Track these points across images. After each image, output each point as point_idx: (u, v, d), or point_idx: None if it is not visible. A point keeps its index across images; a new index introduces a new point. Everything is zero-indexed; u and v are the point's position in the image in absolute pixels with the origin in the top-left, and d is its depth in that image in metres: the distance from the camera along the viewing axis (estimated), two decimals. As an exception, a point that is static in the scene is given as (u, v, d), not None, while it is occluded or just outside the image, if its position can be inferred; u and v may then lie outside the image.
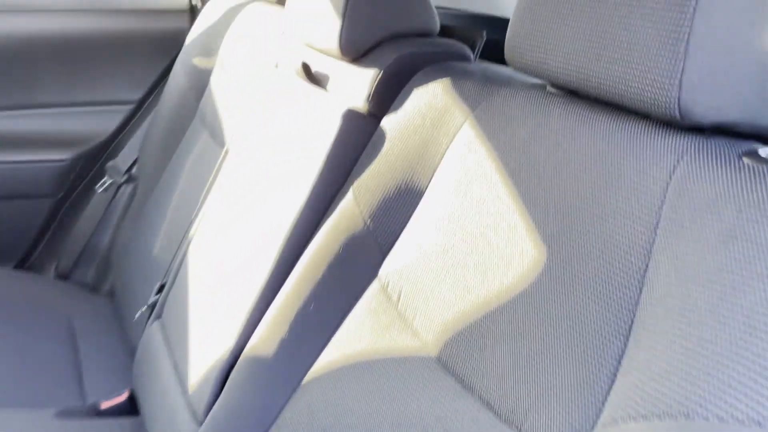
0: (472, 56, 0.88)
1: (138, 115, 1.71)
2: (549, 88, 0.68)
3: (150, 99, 1.71)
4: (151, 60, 1.69)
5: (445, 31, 0.94)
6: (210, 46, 1.47)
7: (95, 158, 1.68)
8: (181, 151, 1.43)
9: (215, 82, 1.39)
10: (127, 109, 1.70)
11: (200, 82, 1.47)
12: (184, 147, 1.44)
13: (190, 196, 1.29)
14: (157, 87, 1.71)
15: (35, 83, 1.60)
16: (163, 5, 1.69)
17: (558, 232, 0.57)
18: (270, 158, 0.98)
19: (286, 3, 1.01)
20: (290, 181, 0.91)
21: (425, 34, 0.90)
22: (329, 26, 0.87)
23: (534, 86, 0.70)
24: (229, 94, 1.30)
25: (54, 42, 1.60)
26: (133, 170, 1.61)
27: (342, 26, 0.84)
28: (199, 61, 1.49)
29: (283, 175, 0.93)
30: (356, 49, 0.86)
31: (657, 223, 0.49)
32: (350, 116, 0.85)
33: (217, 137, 1.30)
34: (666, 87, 0.49)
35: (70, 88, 1.64)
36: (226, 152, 1.18)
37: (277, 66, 1.11)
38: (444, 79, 0.79)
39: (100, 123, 1.68)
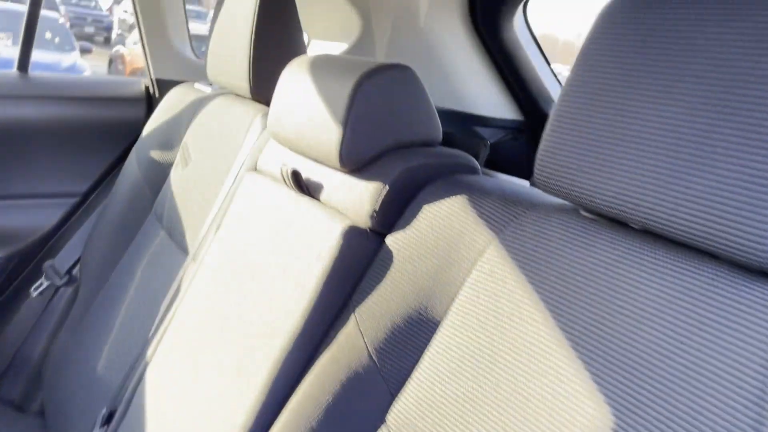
0: (479, 167, 0.82)
1: (82, 209, 1.56)
2: (584, 213, 0.62)
3: (96, 192, 1.57)
4: (99, 150, 1.57)
5: (446, 139, 0.88)
6: (170, 138, 1.36)
7: (30, 257, 1.51)
8: (133, 252, 1.30)
9: (176, 178, 1.28)
10: (69, 202, 1.55)
11: (157, 176, 1.36)
12: (136, 247, 1.30)
13: (144, 306, 1.15)
14: (104, 180, 1.58)
15: None
16: (115, 92, 1.58)
17: (618, 390, 0.48)
18: (251, 274, 0.87)
19: (272, 103, 0.93)
20: (278, 303, 0.80)
21: (428, 144, 0.83)
22: (326, 134, 0.79)
23: (565, 210, 0.64)
24: (193, 193, 1.19)
25: None
26: (75, 271, 1.45)
27: (344, 136, 0.76)
28: (157, 154, 1.38)
29: (268, 295, 0.82)
30: (358, 160, 0.78)
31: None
32: (352, 233, 0.76)
33: (178, 240, 1.18)
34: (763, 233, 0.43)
35: (5, 179, 1.48)
36: (193, 260, 1.06)
37: (256, 169, 1.02)
38: (459, 196, 0.71)
39: (38, 218, 1.52)
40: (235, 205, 0.99)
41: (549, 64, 1.63)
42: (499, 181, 0.75)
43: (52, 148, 1.52)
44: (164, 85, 1.57)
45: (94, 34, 14.71)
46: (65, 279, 1.44)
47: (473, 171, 0.81)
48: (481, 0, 1.56)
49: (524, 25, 1.61)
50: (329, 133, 0.79)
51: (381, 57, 1.60)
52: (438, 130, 0.84)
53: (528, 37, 1.61)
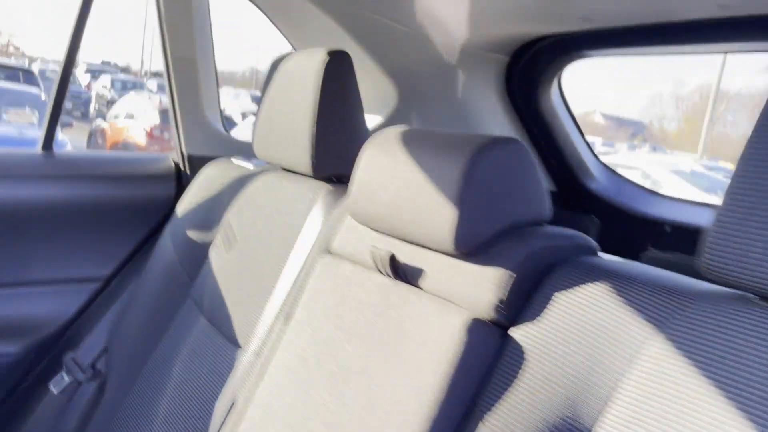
0: (598, 248, 0.75)
1: (104, 295, 1.45)
2: (759, 301, 0.55)
3: (119, 276, 1.47)
4: (124, 231, 1.47)
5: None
6: (209, 216, 1.28)
7: (49, 349, 1.38)
8: (170, 342, 1.19)
9: (217, 261, 1.19)
10: (90, 288, 1.44)
11: (195, 258, 1.27)
12: (173, 336, 1.19)
13: (190, 403, 1.04)
14: (129, 262, 1.47)
15: None
16: (142, 169, 1.51)
17: None
18: (346, 374, 0.78)
19: (353, 181, 0.86)
20: (387, 410, 0.70)
21: (539, 223, 0.76)
22: (434, 214, 0.72)
23: (735, 298, 0.57)
24: (242, 278, 1.10)
25: (5, 210, 1.36)
26: (99, 364, 1.33)
27: (459, 216, 0.69)
28: (194, 234, 1.29)
29: (372, 400, 0.72)
30: (473, 242, 0.71)
31: None
32: (476, 327, 0.68)
33: (225, 330, 1.08)
34: None
35: (23, 264, 1.37)
36: (256, 355, 0.96)
37: (330, 252, 0.94)
38: (599, 282, 0.64)
39: (57, 306, 1.40)
40: (309, 293, 0.90)
41: (583, 135, 1.61)
42: (637, 265, 0.68)
43: (74, 229, 1.42)
44: (195, 161, 1.50)
45: (72, 108, 14.72)
46: (89, 373, 1.31)
47: (593, 252, 0.75)
48: (518, 71, 1.55)
49: (559, 96, 1.60)
50: (438, 213, 0.72)
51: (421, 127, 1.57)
52: (548, 207, 0.77)
53: (563, 108, 1.60)
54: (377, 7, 1.39)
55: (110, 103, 14.70)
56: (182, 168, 1.53)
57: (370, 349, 0.77)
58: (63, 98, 1.42)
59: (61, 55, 1.38)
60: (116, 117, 9.86)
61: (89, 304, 1.43)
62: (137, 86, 16.94)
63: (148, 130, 8.94)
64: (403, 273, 0.79)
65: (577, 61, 1.52)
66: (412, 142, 0.80)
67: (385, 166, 0.81)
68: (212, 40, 1.48)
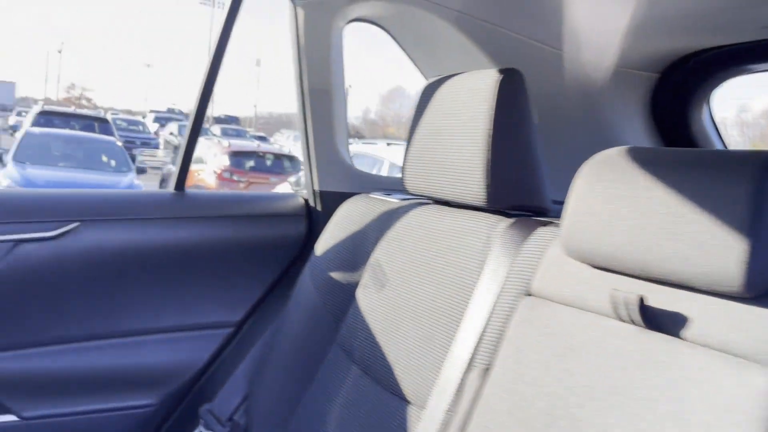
0: None
1: (236, 340, 1.37)
2: None
3: (251, 320, 1.39)
4: (253, 273, 1.40)
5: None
6: (353, 255, 1.19)
7: (182, 399, 1.31)
8: (319, 392, 1.09)
9: (367, 303, 1.10)
10: (222, 334, 1.37)
11: (340, 299, 1.17)
12: (322, 386, 1.10)
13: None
14: (260, 305, 1.40)
15: (121, 306, 1.28)
16: (272, 208, 1.44)
17: None
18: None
19: (566, 213, 0.75)
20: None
21: None
22: (707, 250, 0.60)
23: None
24: (403, 323, 0.99)
25: (140, 251, 1.31)
26: (238, 416, 1.24)
27: (751, 250, 0.57)
28: (338, 275, 1.20)
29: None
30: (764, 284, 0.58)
31: None
32: None
33: (388, 383, 0.97)
34: None
35: (156, 309, 1.31)
36: (446, 414, 0.85)
37: (531, 293, 0.82)
38: None
39: (190, 353, 1.33)
40: (513, 342, 0.79)
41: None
42: None
43: (204, 272, 1.36)
44: (327, 198, 1.43)
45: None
46: (228, 426, 1.23)
47: None
48: (667, 89, 1.43)
49: (709, 117, 1.47)
50: (715, 246, 0.60)
51: (559, 153, 1.45)
52: None
53: (713, 130, 1.46)
54: (529, 29, 1.30)
55: (177, 149, 15.20)
56: (313, 205, 1.46)
57: (619, 412, 0.64)
58: (195, 142, 1.38)
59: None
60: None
61: (221, 351, 1.36)
62: (203, 132, 17.47)
63: (218, 172, 9.12)
64: (655, 320, 0.67)
65: (736, 77, 1.40)
66: (652, 164, 0.68)
67: (618, 193, 0.70)
68: (344, 73, 1.42)
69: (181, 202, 1.37)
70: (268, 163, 9.73)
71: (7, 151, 7.37)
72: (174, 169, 1.39)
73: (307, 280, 1.26)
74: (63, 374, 1.23)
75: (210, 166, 9.34)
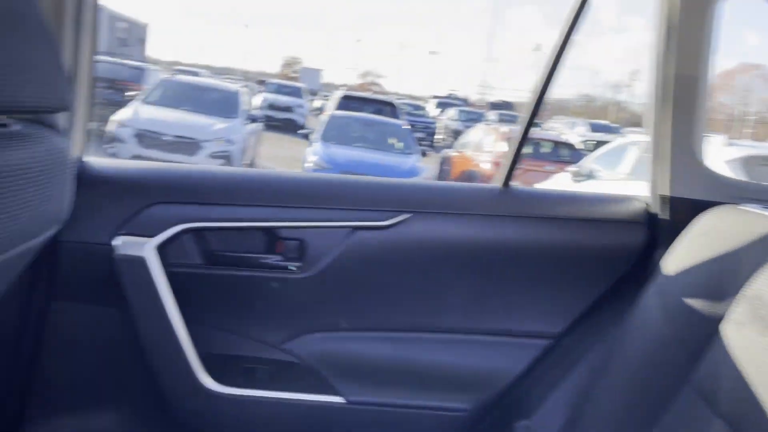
0: None
1: (554, 354, 1.25)
2: None
3: (573, 334, 1.26)
4: (580, 282, 1.26)
5: None
6: (719, 281, 0.98)
7: (493, 409, 1.23)
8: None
9: (738, 342, 0.88)
10: (540, 345, 1.26)
11: (697, 333, 0.97)
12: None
13: None
14: (585, 319, 1.26)
15: (443, 301, 1.25)
16: (606, 212, 1.28)
17: None
18: None
19: None
20: None
21: None
22: None
23: None
24: None
25: (465, 247, 1.25)
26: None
27: None
28: (696, 302, 1.00)
29: None
30: None
31: None
32: None
33: None
34: None
35: (478, 309, 1.25)
36: None
37: None
38: None
39: (505, 360, 1.25)
40: None
41: None
42: None
43: (527, 275, 1.26)
44: (677, 205, 1.22)
45: (423, 138, 16.10)
46: None
47: None
48: None
49: None
50: None
51: None
52: None
53: None
54: None
55: (456, 133, 15.66)
56: (655, 212, 1.26)
57: None
58: (527, 136, 1.29)
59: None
60: (464, 146, 10.31)
61: (536, 364, 1.25)
62: (479, 118, 17.78)
63: (495, 160, 9.13)
64: None
65: None
66: None
67: None
68: (713, 58, 1.19)
69: (508, 199, 1.29)
70: (544, 150, 9.46)
71: (313, 130, 8.29)
72: (446, 153, 1.32)
73: (653, 303, 1.07)
74: (385, 362, 1.24)
75: (488, 153, 9.39)
